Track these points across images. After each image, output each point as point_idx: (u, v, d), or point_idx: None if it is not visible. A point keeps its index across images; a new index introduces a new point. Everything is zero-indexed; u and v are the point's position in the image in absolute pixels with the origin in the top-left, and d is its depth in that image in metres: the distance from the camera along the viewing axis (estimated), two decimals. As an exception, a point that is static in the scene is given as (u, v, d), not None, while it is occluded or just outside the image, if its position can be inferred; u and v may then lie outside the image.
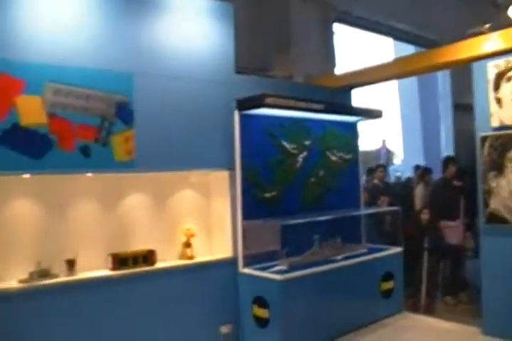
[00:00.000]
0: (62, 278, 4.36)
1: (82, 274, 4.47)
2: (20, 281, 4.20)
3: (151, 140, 4.71)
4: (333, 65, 7.67)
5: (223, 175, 5.29)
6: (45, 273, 4.30)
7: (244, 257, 5.25)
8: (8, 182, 4.21)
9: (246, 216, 5.26)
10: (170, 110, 4.88)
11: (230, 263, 5.25)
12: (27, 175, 4.22)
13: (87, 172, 4.46)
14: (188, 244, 5.15)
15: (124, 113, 4.56)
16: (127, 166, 4.58)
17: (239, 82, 5.38)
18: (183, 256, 5.15)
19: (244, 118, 5.29)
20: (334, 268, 5.37)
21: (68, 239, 4.55)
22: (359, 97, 7.02)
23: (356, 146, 6.62)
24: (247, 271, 5.21)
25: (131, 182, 4.93)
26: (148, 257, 4.81)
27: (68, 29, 4.37)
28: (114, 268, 4.63)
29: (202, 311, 5.05)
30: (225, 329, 5.18)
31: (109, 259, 4.65)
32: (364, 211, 6.74)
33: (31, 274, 4.25)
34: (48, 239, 4.46)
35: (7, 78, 4.01)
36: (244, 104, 5.23)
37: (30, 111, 4.10)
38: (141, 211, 5.04)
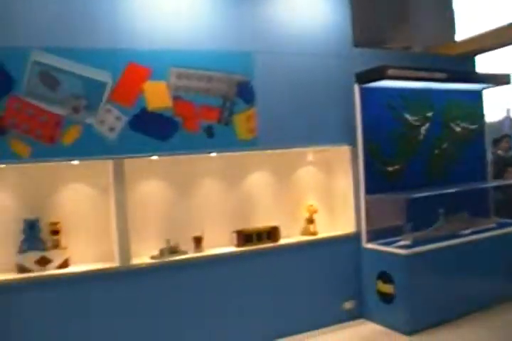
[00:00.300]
0: (191, 255, 4.55)
1: (208, 251, 4.64)
2: (152, 257, 4.44)
3: (272, 117, 4.75)
4: (453, 31, 7.27)
5: (344, 150, 5.23)
6: (174, 250, 4.51)
7: (368, 232, 5.20)
8: (139, 163, 4.41)
9: (368, 190, 5.19)
10: (289, 86, 4.88)
11: (353, 238, 5.22)
12: (155, 157, 4.41)
13: (211, 152, 4.58)
14: (310, 220, 5.17)
15: (245, 92, 4.63)
16: (250, 144, 4.66)
17: (357, 55, 5.25)
18: (306, 232, 5.19)
19: (363, 92, 5.18)
20: (462, 243, 5.18)
21: (195, 216, 4.74)
22: (482, 65, 6.60)
23: (482, 116, 6.27)
24: (370, 246, 5.16)
25: (253, 160, 5.02)
26: (272, 233, 4.89)
27: (186, 14, 4.47)
28: (239, 245, 4.76)
29: (325, 287, 5.09)
30: (348, 305, 5.19)
31: (234, 236, 4.78)
32: (493, 183, 6.42)
33: (162, 251, 4.47)
34: (176, 217, 4.67)
35: (134, 66, 4.22)
36: (364, 77, 5.10)
37: (157, 95, 4.29)
38: (264, 188, 5.12)
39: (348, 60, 5.17)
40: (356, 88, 5.16)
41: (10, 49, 3.87)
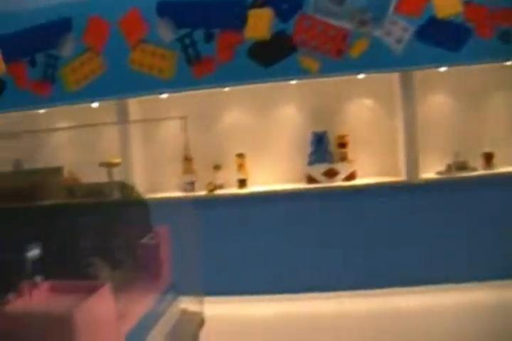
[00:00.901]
0: (480, 172, 4.32)
1: (500, 169, 4.32)
2: (438, 173, 4.36)
3: None
4: None
5: None
6: (462, 166, 4.35)
7: None
8: (427, 76, 4.28)
9: None
10: None
11: None
12: (443, 69, 4.22)
13: (508, 60, 4.18)
14: None
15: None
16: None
17: None
18: None
19: None
20: None
21: (485, 132, 4.48)
22: None
23: None
24: None
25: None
26: None
27: None
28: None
29: None
30: None
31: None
32: None
33: (449, 166, 4.36)
34: (465, 132, 4.47)
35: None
36: None
37: (445, 2, 4.04)
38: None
39: None
40: None
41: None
